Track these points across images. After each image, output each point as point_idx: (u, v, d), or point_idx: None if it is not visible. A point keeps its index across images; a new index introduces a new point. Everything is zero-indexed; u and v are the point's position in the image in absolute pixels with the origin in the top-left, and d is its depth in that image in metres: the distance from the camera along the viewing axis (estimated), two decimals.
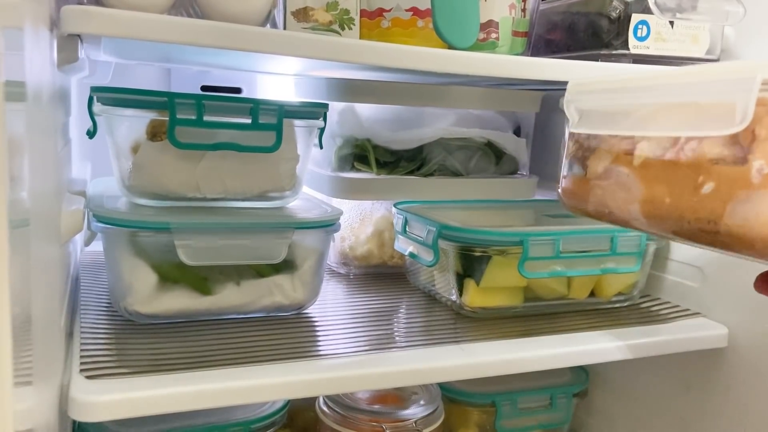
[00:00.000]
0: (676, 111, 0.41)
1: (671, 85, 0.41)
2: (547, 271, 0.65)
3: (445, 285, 0.69)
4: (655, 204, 0.41)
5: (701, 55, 0.65)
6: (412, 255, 0.71)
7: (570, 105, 0.50)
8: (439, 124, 0.81)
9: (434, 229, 0.65)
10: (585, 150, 0.48)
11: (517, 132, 0.87)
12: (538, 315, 0.69)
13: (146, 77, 0.92)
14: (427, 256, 0.67)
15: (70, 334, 0.57)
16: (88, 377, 0.48)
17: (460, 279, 0.66)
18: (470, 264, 0.66)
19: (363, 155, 0.78)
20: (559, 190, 0.52)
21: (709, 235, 0.38)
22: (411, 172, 0.78)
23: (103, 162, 0.64)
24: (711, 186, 0.37)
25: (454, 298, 0.67)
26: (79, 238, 0.74)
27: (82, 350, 0.53)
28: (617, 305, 0.73)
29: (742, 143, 0.36)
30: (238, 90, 0.95)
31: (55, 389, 0.45)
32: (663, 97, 0.42)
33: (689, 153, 0.39)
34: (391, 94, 0.75)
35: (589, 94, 0.48)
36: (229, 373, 0.50)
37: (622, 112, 0.45)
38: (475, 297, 0.66)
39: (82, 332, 0.57)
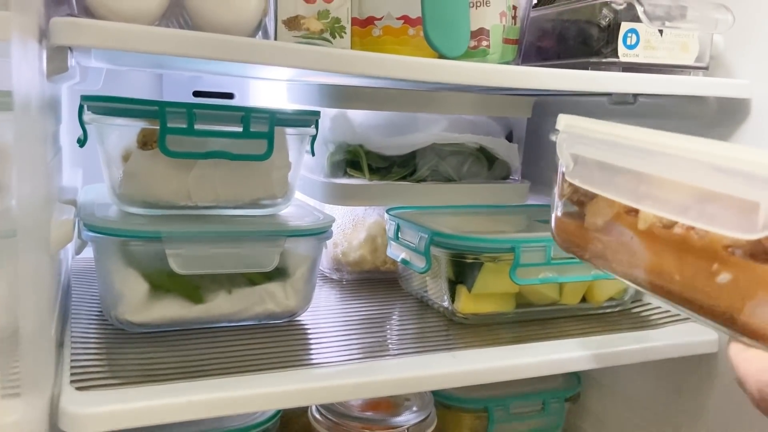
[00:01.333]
0: (687, 187, 0.36)
1: (683, 160, 0.35)
2: (539, 277, 0.65)
3: (437, 291, 0.69)
4: (663, 277, 0.37)
5: (690, 62, 0.65)
6: (404, 261, 0.71)
7: (563, 147, 0.45)
8: (431, 129, 0.81)
9: (426, 235, 0.66)
10: (582, 195, 0.44)
11: (509, 137, 0.87)
12: (530, 321, 0.69)
13: (138, 83, 0.92)
14: (420, 263, 0.67)
15: (60, 344, 0.56)
16: (78, 388, 0.48)
17: (453, 285, 0.67)
18: (462, 270, 0.66)
19: (355, 161, 0.78)
20: (553, 229, 0.48)
21: (724, 321, 0.34)
22: (403, 178, 0.79)
23: (95, 168, 0.64)
24: (727, 277, 0.33)
25: (446, 304, 0.67)
26: (71, 246, 0.74)
27: (72, 360, 0.52)
28: (609, 310, 0.73)
29: (766, 244, 0.31)
30: (230, 95, 0.95)
31: (45, 401, 0.45)
32: (671, 171, 0.36)
33: (701, 233, 0.34)
34: (383, 100, 0.75)
35: (585, 140, 0.43)
36: (221, 383, 0.50)
37: (623, 170, 0.40)
38: (467, 303, 0.66)
39: (72, 342, 0.56)
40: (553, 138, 0.46)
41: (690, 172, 0.35)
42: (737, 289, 0.33)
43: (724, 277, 0.33)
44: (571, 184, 0.45)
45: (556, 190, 0.46)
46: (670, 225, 0.36)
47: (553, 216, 0.48)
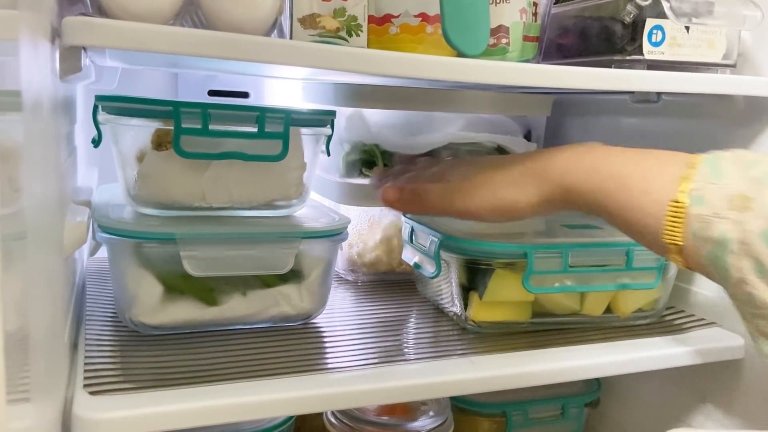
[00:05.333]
0: None
1: None
2: (555, 285, 0.63)
3: (449, 297, 0.67)
4: None
5: (718, 60, 0.63)
6: (416, 266, 0.70)
7: None
8: (448, 128, 0.80)
9: (437, 239, 0.64)
10: None
11: (528, 136, 0.86)
12: (548, 331, 0.66)
13: (153, 82, 0.91)
14: (430, 268, 0.66)
15: (74, 346, 0.56)
16: (91, 393, 0.47)
17: (465, 292, 0.64)
18: (474, 276, 0.64)
19: (371, 161, 0.77)
20: None
21: None
22: None
23: (110, 168, 0.64)
24: None
25: (458, 311, 0.66)
26: (86, 246, 0.74)
27: (86, 363, 0.52)
28: (638, 323, 0.69)
29: None
30: (245, 94, 0.94)
31: (58, 405, 0.44)
32: None
33: None
34: (399, 99, 0.74)
35: None
36: (235, 388, 0.50)
37: None
38: (479, 311, 0.64)
39: (87, 344, 0.56)
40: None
41: None
42: None
43: None
44: None
45: None
46: None
47: None
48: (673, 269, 0.69)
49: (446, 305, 0.68)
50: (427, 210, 0.57)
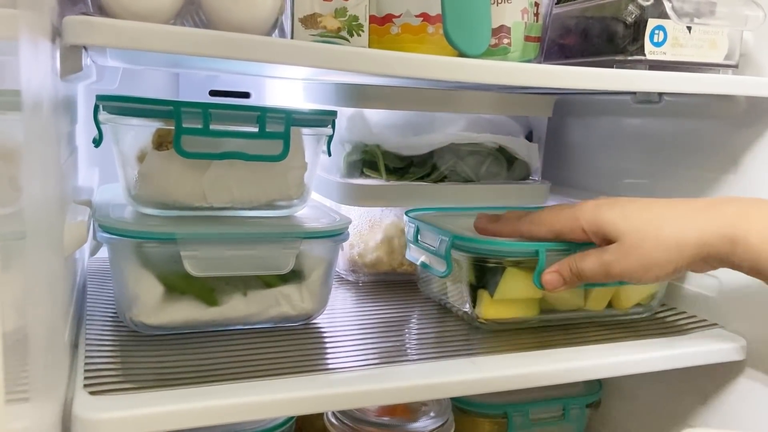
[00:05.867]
0: None
1: None
2: None
3: (458, 296, 0.67)
4: None
5: (720, 60, 0.63)
6: (423, 265, 0.70)
7: None
8: (449, 129, 0.80)
9: (447, 239, 0.64)
10: None
11: (530, 136, 0.85)
12: (553, 327, 0.67)
13: (155, 82, 0.91)
14: (440, 267, 0.66)
15: (75, 346, 0.56)
16: (91, 393, 0.47)
17: (474, 290, 0.65)
18: (484, 275, 0.64)
19: (372, 161, 0.77)
20: None
21: None
22: (421, 178, 0.77)
23: (111, 167, 0.64)
24: None
25: (467, 309, 0.66)
26: (86, 246, 0.74)
27: (86, 363, 0.52)
28: (635, 317, 0.71)
29: None
30: (246, 94, 0.94)
31: (58, 405, 0.44)
32: None
33: None
34: (400, 99, 0.74)
35: None
36: (236, 388, 0.50)
37: None
38: (488, 309, 0.64)
39: (87, 344, 0.56)
40: None
41: None
42: None
43: None
44: None
45: None
46: None
47: None
48: None
49: (454, 304, 0.68)
50: (587, 282, 0.59)
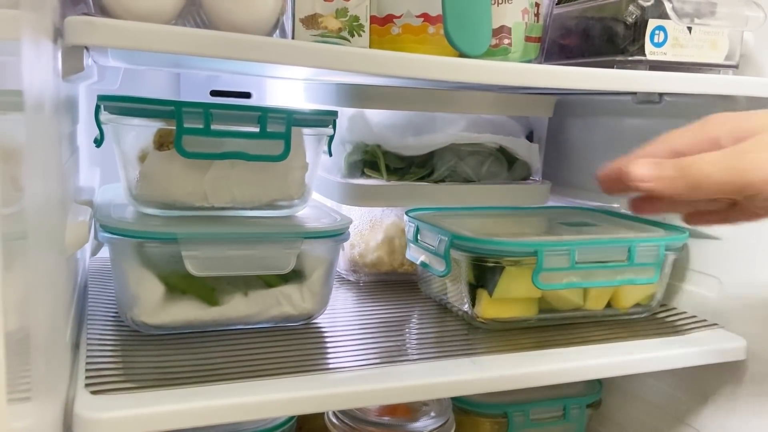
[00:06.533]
0: None
1: None
2: (563, 282, 0.63)
3: (457, 295, 0.67)
4: None
5: (720, 61, 0.63)
6: (423, 264, 0.70)
7: None
8: (450, 129, 0.80)
9: (446, 238, 0.64)
10: None
11: (530, 137, 0.85)
12: (553, 326, 0.67)
13: (156, 82, 0.92)
14: (439, 266, 0.66)
15: (76, 346, 0.56)
16: (93, 392, 0.47)
17: (473, 289, 0.65)
18: (483, 274, 0.64)
19: (373, 161, 0.77)
20: None
21: None
22: (422, 178, 0.77)
23: (113, 167, 0.64)
24: None
25: (466, 308, 0.66)
26: (88, 246, 0.74)
27: (87, 363, 0.52)
28: (635, 317, 0.71)
29: None
30: (247, 95, 0.94)
31: (59, 405, 0.44)
32: None
33: None
34: (401, 99, 0.74)
35: None
36: (237, 388, 0.50)
37: None
38: (488, 308, 0.64)
39: (88, 344, 0.56)
40: None
41: None
42: None
43: None
44: None
45: None
46: None
47: None
48: (668, 266, 0.70)
49: (454, 303, 0.69)
50: (700, 186, 0.40)
